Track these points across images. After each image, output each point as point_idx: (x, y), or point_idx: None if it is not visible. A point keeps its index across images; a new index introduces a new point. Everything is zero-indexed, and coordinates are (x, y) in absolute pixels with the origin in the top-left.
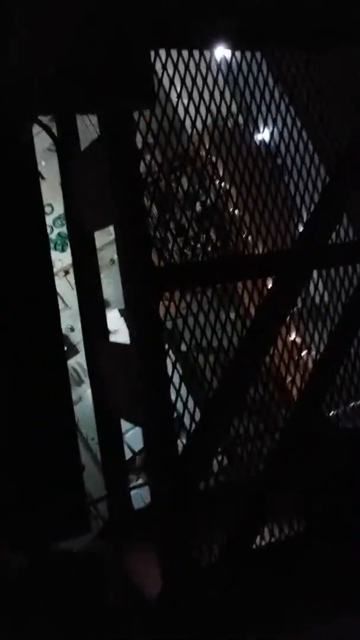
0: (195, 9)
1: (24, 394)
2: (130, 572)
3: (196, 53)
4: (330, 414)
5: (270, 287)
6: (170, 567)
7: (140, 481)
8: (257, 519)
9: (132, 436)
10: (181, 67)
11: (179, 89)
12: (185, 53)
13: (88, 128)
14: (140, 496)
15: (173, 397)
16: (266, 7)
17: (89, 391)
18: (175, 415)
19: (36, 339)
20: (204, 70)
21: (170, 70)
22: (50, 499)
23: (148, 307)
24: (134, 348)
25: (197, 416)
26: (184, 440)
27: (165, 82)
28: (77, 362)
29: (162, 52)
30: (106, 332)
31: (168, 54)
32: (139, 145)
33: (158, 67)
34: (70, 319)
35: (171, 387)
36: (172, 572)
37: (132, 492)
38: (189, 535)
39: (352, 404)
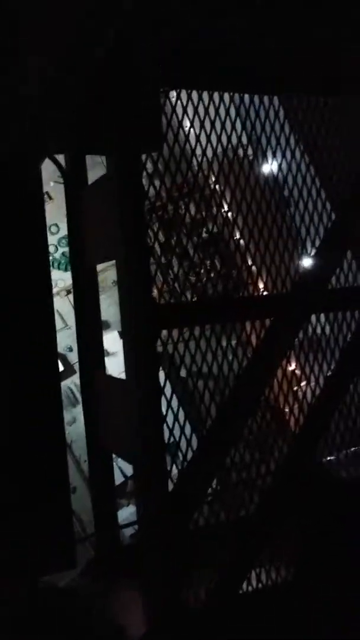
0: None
1: (14, 420)
2: (116, 611)
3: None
4: (325, 460)
5: (269, 328)
6: (156, 608)
7: (131, 508)
8: (248, 561)
9: (123, 463)
10: (191, 105)
11: (189, 126)
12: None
13: (97, 162)
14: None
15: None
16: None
17: (76, 416)
18: (172, 440)
19: (31, 358)
20: (213, 109)
21: (180, 110)
22: (36, 532)
23: (145, 345)
24: (130, 384)
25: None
26: (181, 464)
27: (176, 116)
28: (74, 382)
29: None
30: (102, 357)
31: (178, 93)
32: (150, 171)
33: (169, 103)
34: (69, 338)
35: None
36: (158, 614)
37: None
38: (177, 575)
39: (346, 451)
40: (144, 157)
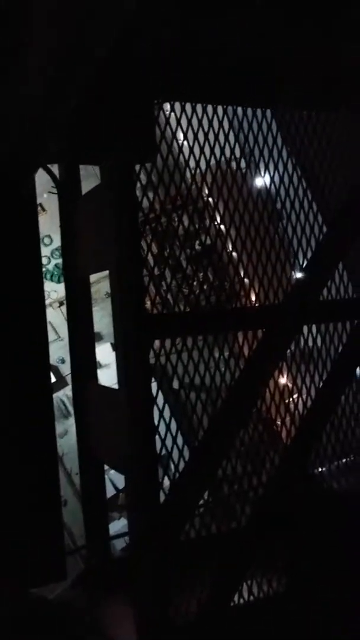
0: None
1: (5, 431)
2: (106, 623)
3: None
4: (316, 472)
5: (261, 339)
6: (146, 621)
7: (122, 521)
8: (239, 573)
9: (116, 473)
10: (184, 117)
11: (182, 138)
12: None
13: (91, 173)
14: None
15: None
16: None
17: (68, 428)
18: (164, 452)
19: (23, 370)
20: (207, 117)
21: (174, 122)
22: (26, 544)
23: (138, 355)
24: (122, 395)
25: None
26: (172, 476)
27: (169, 128)
28: (66, 394)
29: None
30: (95, 368)
31: (172, 106)
32: (144, 182)
33: (163, 114)
34: (61, 350)
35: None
36: (147, 629)
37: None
38: (167, 590)
39: (337, 462)
40: (137, 168)
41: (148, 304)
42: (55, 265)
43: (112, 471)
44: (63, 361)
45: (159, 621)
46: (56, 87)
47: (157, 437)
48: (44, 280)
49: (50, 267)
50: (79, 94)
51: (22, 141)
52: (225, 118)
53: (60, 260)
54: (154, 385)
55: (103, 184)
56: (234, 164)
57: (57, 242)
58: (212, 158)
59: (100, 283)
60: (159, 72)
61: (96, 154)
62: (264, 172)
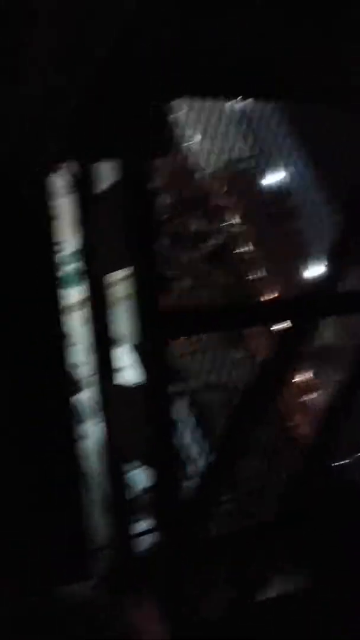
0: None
1: (28, 432)
2: (131, 623)
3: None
4: (336, 465)
5: (278, 335)
6: (174, 623)
7: (145, 523)
8: (262, 569)
9: (138, 473)
10: (198, 113)
11: (195, 133)
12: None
13: (106, 170)
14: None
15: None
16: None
17: (89, 429)
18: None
19: (42, 376)
20: (219, 117)
21: (185, 117)
22: (50, 544)
23: (157, 351)
24: (143, 395)
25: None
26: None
27: (183, 125)
28: (81, 399)
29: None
30: (116, 369)
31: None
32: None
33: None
34: (76, 355)
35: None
36: (176, 629)
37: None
38: (196, 588)
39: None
40: (151, 164)
41: (165, 302)
42: (72, 269)
43: (135, 471)
44: (77, 366)
45: (184, 618)
46: (56, 87)
47: (178, 436)
48: (62, 284)
49: (68, 271)
50: (80, 94)
51: (22, 141)
52: (238, 114)
53: (77, 265)
54: (173, 384)
55: (117, 181)
56: (247, 162)
57: (72, 246)
58: (225, 155)
59: (119, 284)
60: (169, 69)
61: (106, 152)
62: (278, 169)
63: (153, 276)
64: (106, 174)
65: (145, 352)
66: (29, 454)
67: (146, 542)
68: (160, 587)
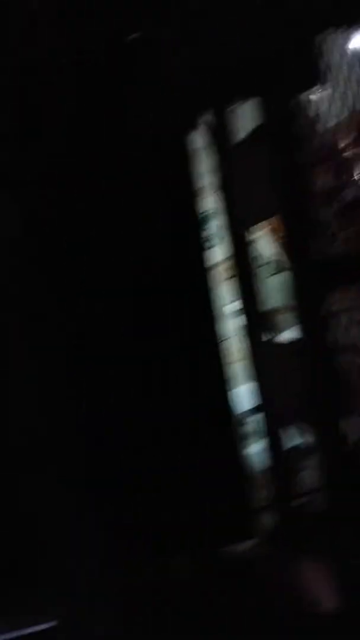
0: None
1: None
2: (299, 582)
3: None
4: None
5: None
6: (342, 582)
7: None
8: None
9: (296, 433)
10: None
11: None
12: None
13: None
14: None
15: None
16: None
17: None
18: None
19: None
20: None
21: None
22: (213, 503)
23: (316, 303)
24: (302, 350)
25: None
26: None
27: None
28: (232, 362)
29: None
30: (269, 328)
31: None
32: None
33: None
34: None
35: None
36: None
37: None
38: None
39: None
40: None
41: (321, 250)
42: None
43: (294, 429)
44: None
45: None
46: None
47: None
48: (207, 244)
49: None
50: None
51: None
52: None
53: (218, 222)
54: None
55: (262, 123)
56: None
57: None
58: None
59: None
60: None
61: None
62: None
63: (309, 221)
64: (245, 119)
65: (304, 303)
66: (185, 417)
67: (310, 500)
68: (325, 546)
